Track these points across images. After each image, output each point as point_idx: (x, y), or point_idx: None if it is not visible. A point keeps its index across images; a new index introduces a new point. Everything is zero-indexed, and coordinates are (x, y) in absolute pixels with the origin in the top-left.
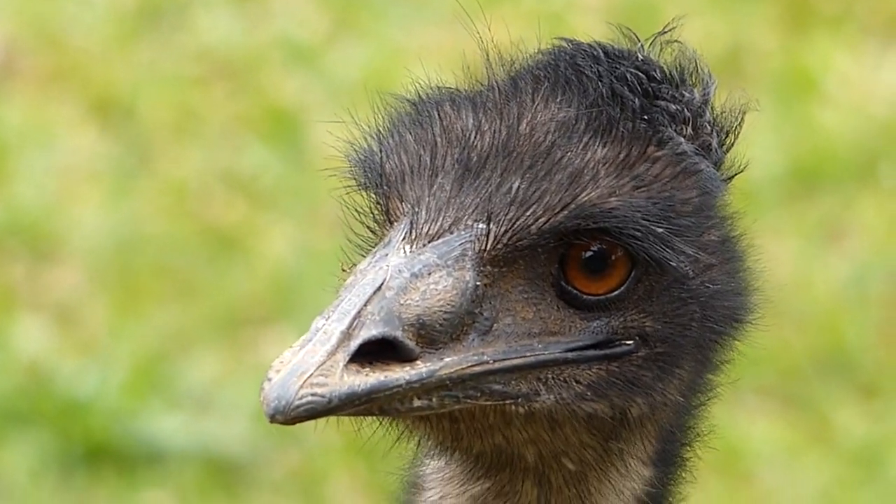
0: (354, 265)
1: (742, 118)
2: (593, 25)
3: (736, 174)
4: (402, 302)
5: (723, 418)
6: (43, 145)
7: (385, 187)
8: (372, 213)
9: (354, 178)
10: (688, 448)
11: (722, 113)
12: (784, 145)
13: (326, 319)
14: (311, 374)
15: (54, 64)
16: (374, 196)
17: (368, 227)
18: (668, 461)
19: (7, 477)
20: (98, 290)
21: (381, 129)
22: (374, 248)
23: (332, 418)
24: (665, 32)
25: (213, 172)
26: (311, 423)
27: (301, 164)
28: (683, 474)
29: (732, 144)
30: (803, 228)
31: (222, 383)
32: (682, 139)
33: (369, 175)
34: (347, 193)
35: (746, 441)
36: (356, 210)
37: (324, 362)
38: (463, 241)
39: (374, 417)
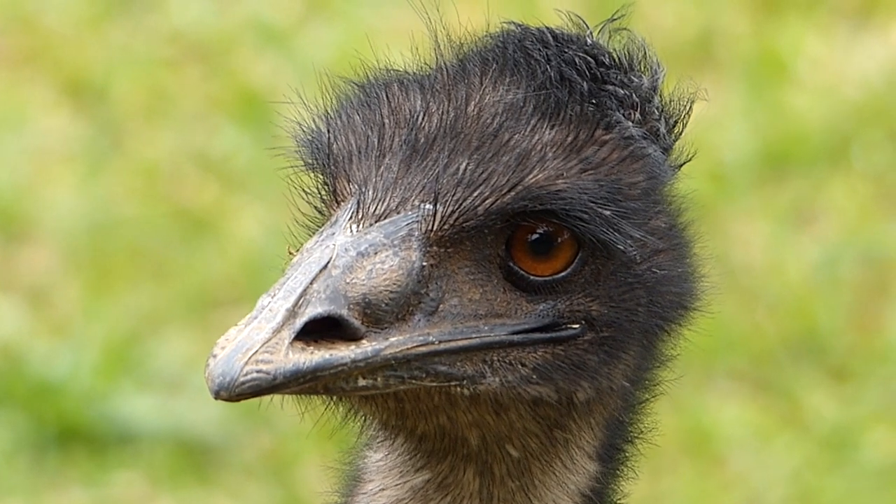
0: (302, 245)
1: (691, 106)
2: (567, 6)
3: (686, 161)
4: (348, 280)
5: (694, 401)
6: (15, 127)
7: (332, 167)
8: (319, 193)
9: (302, 159)
10: (631, 444)
11: (671, 100)
12: (755, 129)
13: (272, 297)
14: (256, 351)
15: (27, 45)
16: (321, 176)
17: (316, 207)
18: (613, 456)
19: None
20: (70, 272)
21: (328, 110)
22: (321, 227)
23: (291, 399)
24: (615, 20)
25: (185, 154)
26: (277, 403)
27: (272, 145)
28: (625, 470)
29: (682, 132)
30: (775, 212)
31: (194, 365)
32: (630, 123)
33: (317, 155)
34: (295, 174)
35: (718, 424)
36: (304, 190)
37: (269, 339)
38: (409, 221)
39: (320, 396)
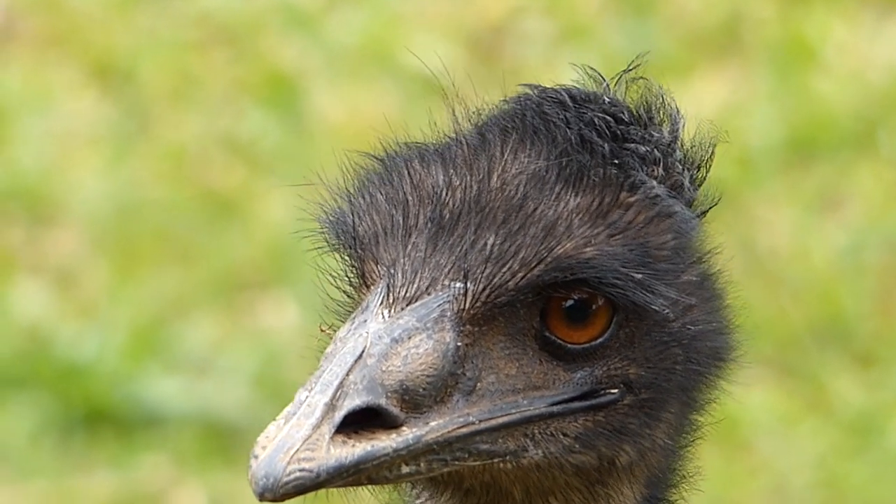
0: (332, 326)
1: (713, 151)
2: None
3: (710, 208)
4: (383, 369)
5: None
6: (42, 109)
7: (359, 250)
8: (347, 276)
9: (326, 241)
10: (674, 490)
11: (691, 147)
12: (782, 114)
13: (309, 391)
14: (298, 450)
15: (54, 28)
16: (347, 259)
17: (344, 291)
18: None
19: (6, 440)
20: (97, 254)
21: (350, 188)
22: (351, 311)
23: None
24: (630, 70)
25: (212, 137)
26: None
27: (299, 129)
28: None
29: (704, 179)
30: (801, 197)
31: (220, 347)
32: (655, 182)
33: (342, 238)
34: (317, 255)
35: (743, 410)
36: (330, 274)
37: (309, 436)
38: (441, 301)
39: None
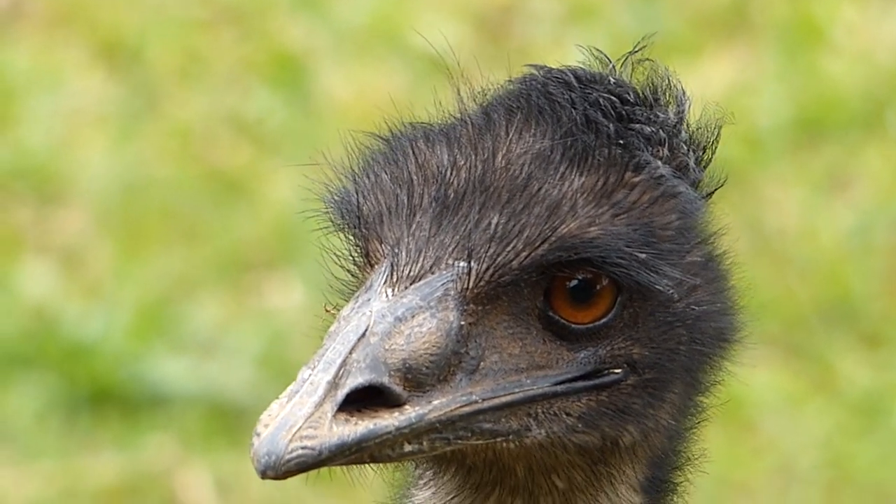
0: (336, 306)
1: (719, 132)
2: None
3: (716, 189)
4: (386, 347)
5: (727, 367)
6: (49, 89)
7: (364, 229)
8: (351, 255)
9: (331, 220)
10: (679, 472)
11: (697, 129)
12: (790, 94)
13: (312, 370)
14: (300, 427)
15: (61, 7)
16: (352, 238)
17: (348, 270)
18: (660, 487)
19: (12, 419)
20: (103, 234)
21: (355, 168)
22: (355, 291)
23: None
24: (636, 51)
25: (219, 116)
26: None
27: (306, 108)
28: (674, 499)
29: (710, 160)
30: (809, 177)
31: (226, 327)
32: (660, 162)
33: (347, 217)
34: (322, 234)
35: (749, 390)
36: (335, 253)
37: (312, 414)
38: (444, 280)
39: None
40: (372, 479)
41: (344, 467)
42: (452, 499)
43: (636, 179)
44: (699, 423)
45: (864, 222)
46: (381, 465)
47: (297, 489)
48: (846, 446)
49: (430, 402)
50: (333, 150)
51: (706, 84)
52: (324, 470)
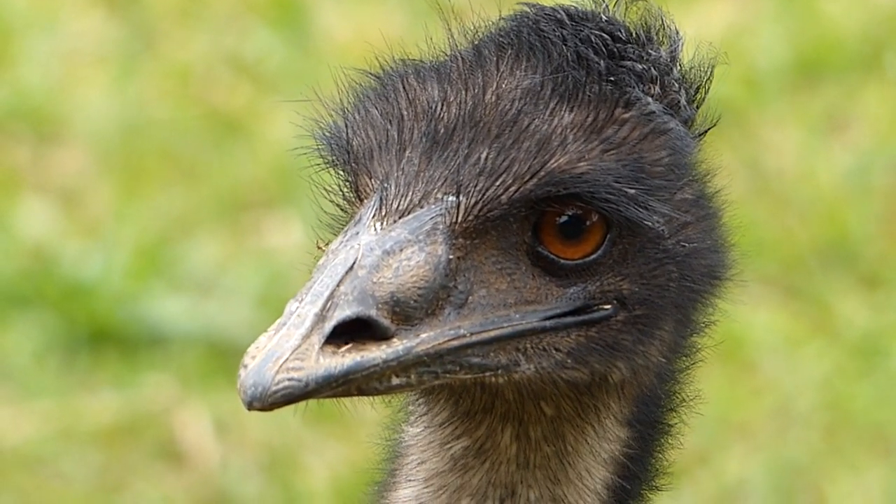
0: (328, 242)
1: (712, 72)
2: None
3: (710, 128)
4: (374, 280)
5: (724, 307)
6: (48, 28)
7: (353, 164)
8: (341, 190)
9: (322, 156)
10: (672, 414)
11: (690, 69)
12: (789, 35)
13: (300, 302)
14: (287, 359)
15: None
16: (342, 173)
17: (338, 205)
18: (652, 427)
19: (10, 359)
20: (102, 174)
21: (346, 104)
22: (345, 226)
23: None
24: None
25: (218, 56)
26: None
27: (305, 48)
28: (669, 441)
29: (703, 100)
30: (807, 118)
31: (225, 267)
32: (650, 99)
33: (337, 152)
34: (315, 171)
35: (748, 330)
36: (326, 189)
37: (299, 346)
38: (433, 214)
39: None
40: (369, 419)
41: (335, 400)
42: (444, 429)
43: (626, 115)
44: (692, 364)
45: (862, 163)
46: (371, 397)
47: (295, 429)
48: (845, 387)
49: (418, 335)
50: (331, 89)
51: (705, 25)
52: (322, 409)
